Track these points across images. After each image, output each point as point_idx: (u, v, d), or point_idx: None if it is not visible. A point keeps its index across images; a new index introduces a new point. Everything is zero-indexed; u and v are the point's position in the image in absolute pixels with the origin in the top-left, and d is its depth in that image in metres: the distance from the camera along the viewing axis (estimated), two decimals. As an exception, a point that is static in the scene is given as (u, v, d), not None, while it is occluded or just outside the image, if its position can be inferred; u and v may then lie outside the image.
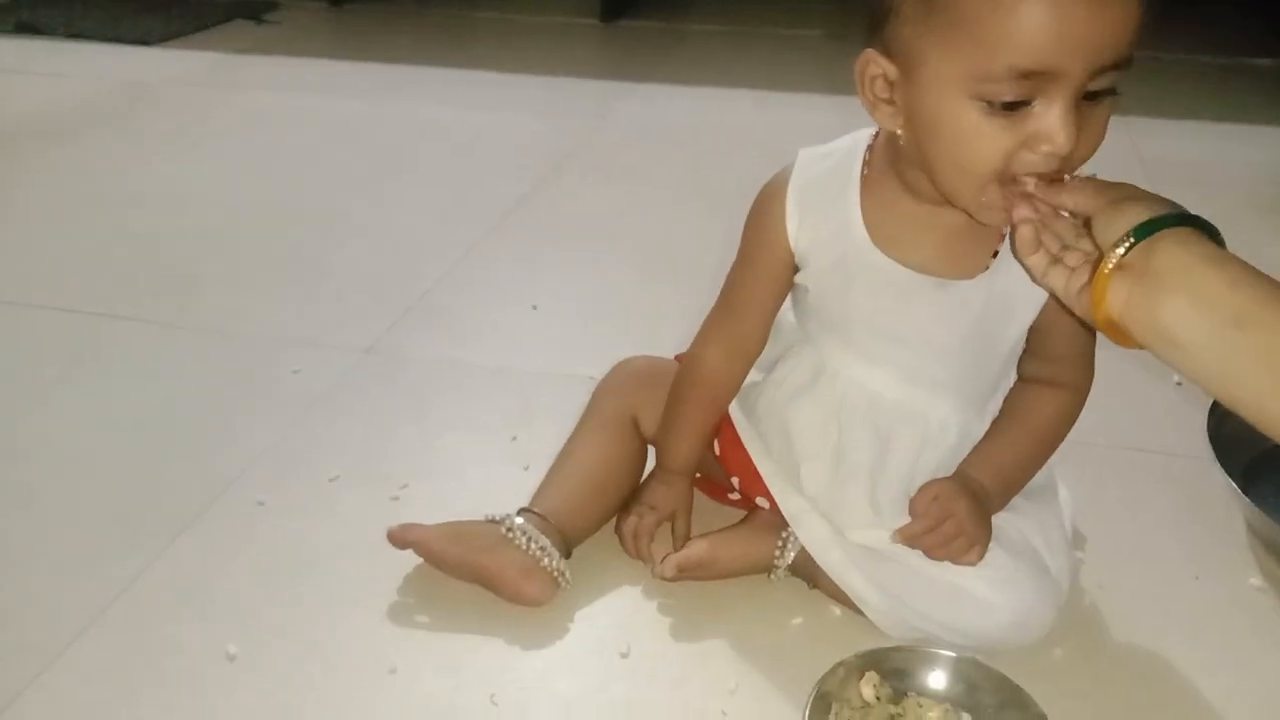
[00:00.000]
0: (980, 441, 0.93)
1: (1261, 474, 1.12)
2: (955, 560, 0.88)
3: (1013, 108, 0.70)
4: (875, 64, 0.76)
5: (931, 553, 0.89)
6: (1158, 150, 2.07)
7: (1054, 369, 0.91)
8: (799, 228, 0.87)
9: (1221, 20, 2.98)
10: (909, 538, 0.90)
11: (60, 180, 1.96)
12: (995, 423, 0.93)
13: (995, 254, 0.84)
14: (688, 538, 1.02)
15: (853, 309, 0.88)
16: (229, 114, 2.31)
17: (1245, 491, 1.02)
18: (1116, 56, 0.69)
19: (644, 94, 2.43)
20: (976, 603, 0.88)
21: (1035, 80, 0.69)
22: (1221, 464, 1.05)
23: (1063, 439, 0.93)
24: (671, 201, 1.84)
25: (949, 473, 0.92)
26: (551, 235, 1.74)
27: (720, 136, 2.16)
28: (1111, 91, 0.71)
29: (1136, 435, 1.23)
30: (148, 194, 1.89)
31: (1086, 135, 0.71)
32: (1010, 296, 0.85)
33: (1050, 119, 0.69)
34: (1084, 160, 0.74)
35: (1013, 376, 0.94)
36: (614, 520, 1.05)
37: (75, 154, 2.08)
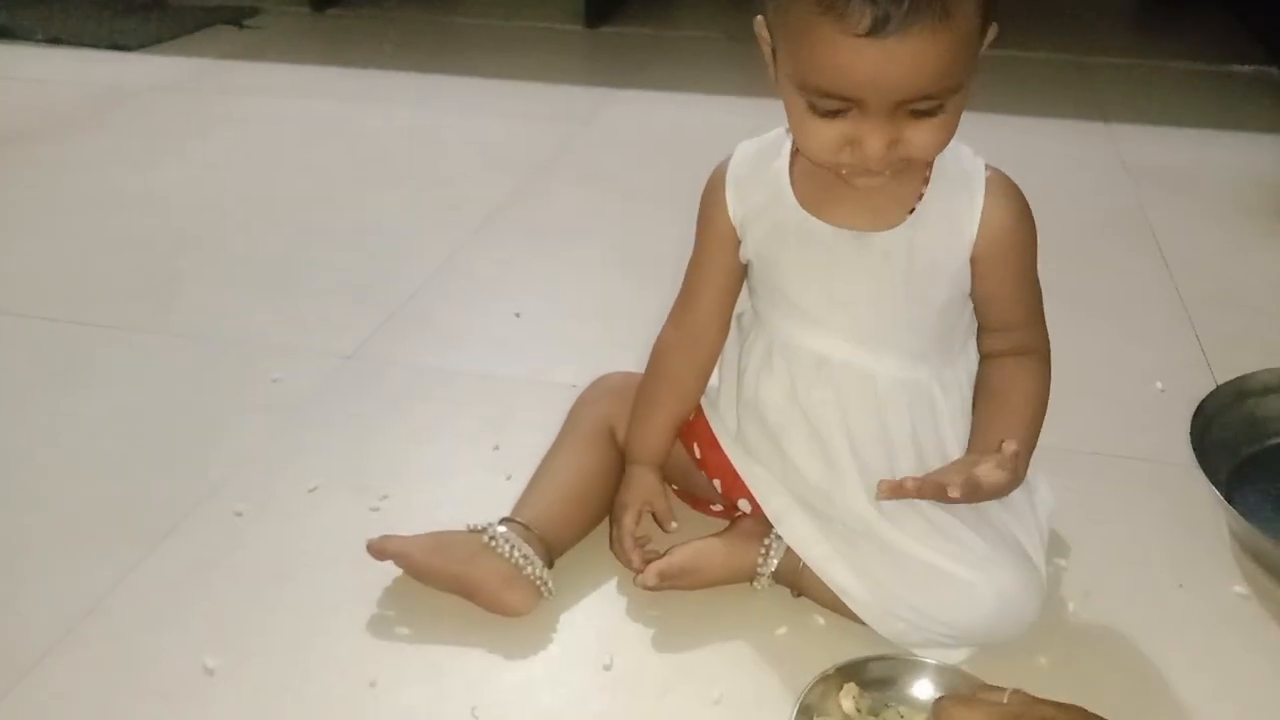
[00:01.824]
0: (980, 431, 0.92)
1: (1245, 481, 1.12)
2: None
3: (833, 113, 0.76)
4: (763, 30, 0.81)
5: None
6: (1140, 156, 2.07)
7: (1012, 339, 0.93)
8: (737, 202, 0.93)
9: (1203, 27, 3.00)
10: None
11: (39, 186, 1.94)
12: (983, 410, 0.93)
13: (912, 210, 0.87)
14: (671, 516, 1.03)
15: (789, 273, 0.92)
16: (210, 119, 2.30)
17: (1229, 498, 1.02)
18: (919, 93, 0.74)
19: (628, 99, 2.43)
20: (961, 586, 0.88)
21: (843, 99, 0.75)
22: (1205, 471, 1.05)
23: (1047, 402, 0.93)
24: (655, 207, 1.83)
25: (925, 438, 0.93)
26: (535, 241, 1.74)
27: (704, 142, 2.14)
28: (937, 109, 0.76)
29: (1120, 442, 1.23)
30: (128, 199, 1.87)
31: (916, 139, 0.77)
32: (934, 252, 0.88)
33: (862, 130, 0.76)
34: (923, 159, 0.81)
35: (971, 351, 0.96)
36: (596, 532, 1.05)
37: (54, 160, 2.06)
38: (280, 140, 2.18)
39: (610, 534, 1.04)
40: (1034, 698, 0.76)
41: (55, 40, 2.77)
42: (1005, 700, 0.76)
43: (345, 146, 2.15)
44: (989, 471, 0.84)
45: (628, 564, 1.00)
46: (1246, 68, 2.68)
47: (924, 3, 0.70)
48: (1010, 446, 0.84)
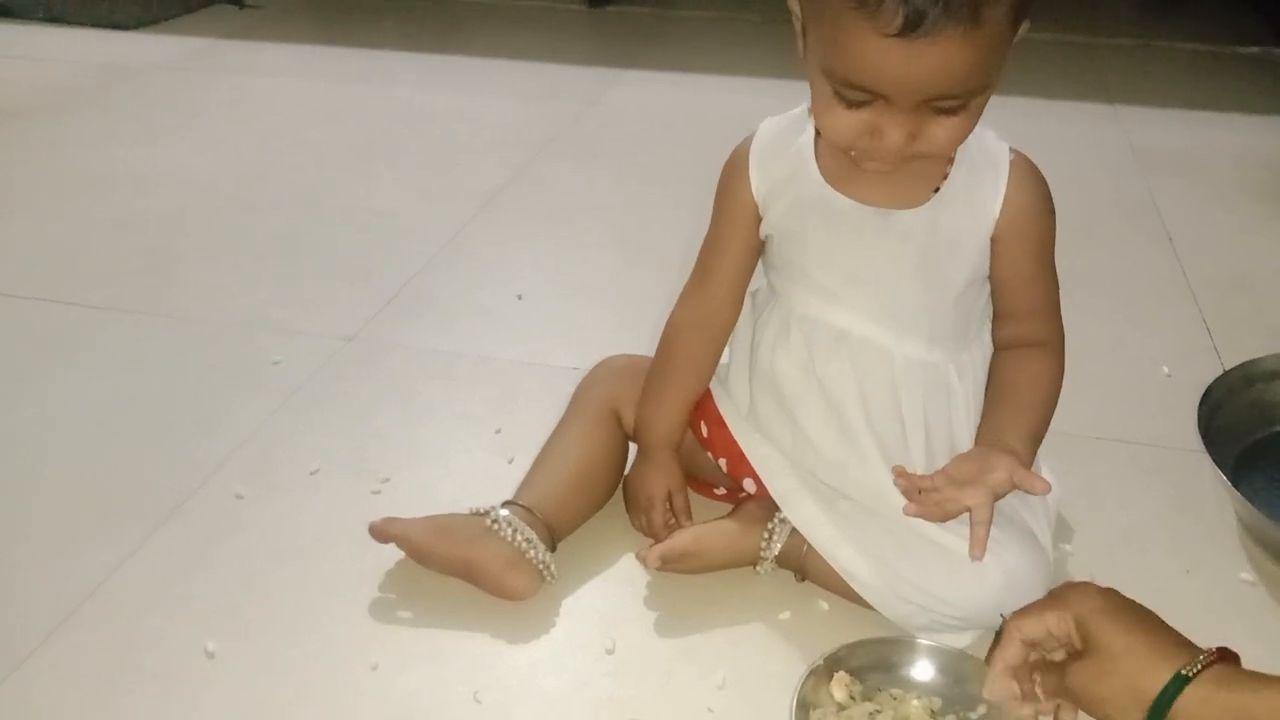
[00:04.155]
0: (986, 421, 0.92)
1: (1252, 467, 1.12)
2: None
3: (858, 103, 0.77)
4: (795, 6, 0.81)
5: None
6: (1148, 139, 2.06)
7: (1025, 327, 0.93)
8: (760, 177, 0.93)
9: (1209, 9, 2.97)
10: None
11: (37, 165, 1.93)
12: (992, 402, 0.93)
13: (937, 189, 0.87)
14: (689, 512, 1.02)
15: (809, 249, 0.92)
16: (210, 99, 2.28)
17: (1235, 484, 1.02)
18: (945, 92, 0.75)
19: (630, 80, 2.41)
20: (968, 566, 0.87)
21: (869, 92, 0.75)
22: (1212, 456, 1.04)
23: (1058, 397, 0.93)
24: (658, 188, 1.82)
25: (935, 424, 0.93)
26: (537, 222, 1.73)
27: (707, 123, 2.13)
28: (960, 108, 0.76)
29: (1126, 427, 1.22)
30: (127, 179, 1.86)
31: (935, 134, 0.78)
32: (955, 232, 0.88)
33: (884, 121, 0.77)
34: (937, 154, 0.82)
35: (986, 336, 0.95)
36: (599, 515, 1.05)
37: (53, 139, 2.05)
38: (280, 120, 2.17)
39: (632, 518, 1.04)
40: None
41: (55, 19, 2.76)
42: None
43: (346, 127, 2.14)
44: (999, 482, 0.84)
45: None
46: (1253, 49, 2.66)
47: (956, 7, 0.70)
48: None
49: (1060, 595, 0.78)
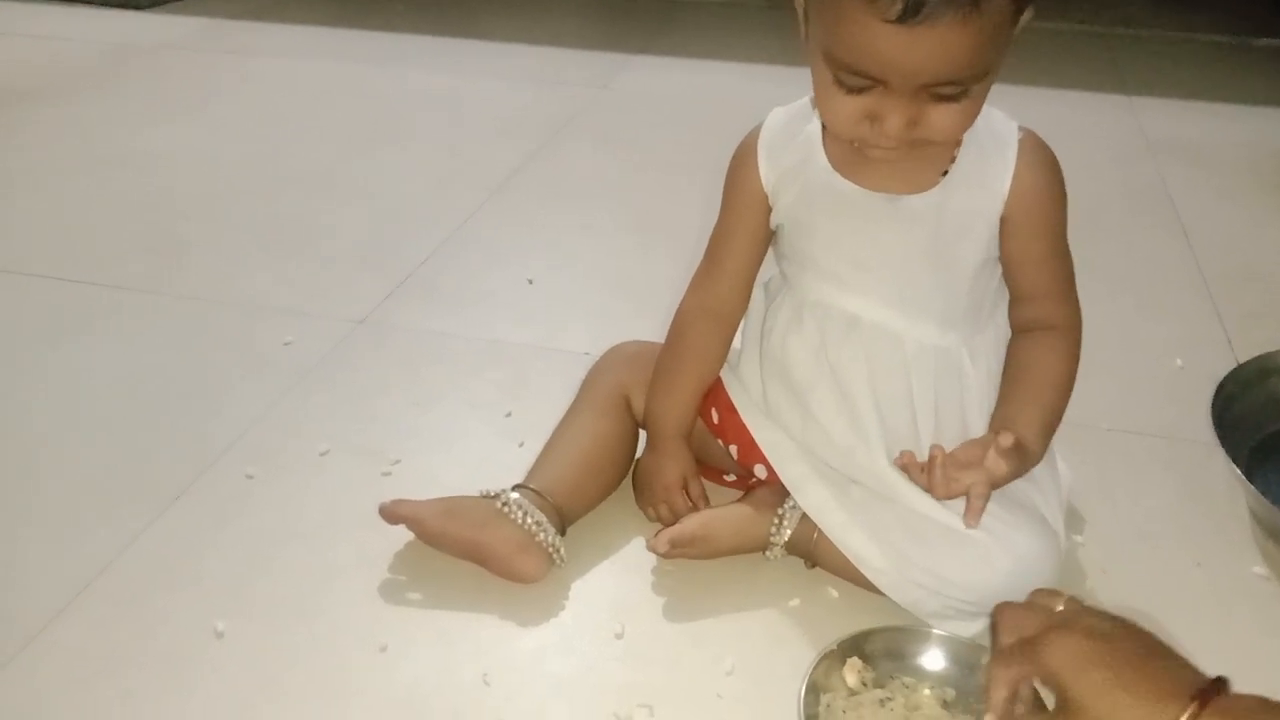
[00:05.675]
0: (999, 408, 0.92)
1: (1266, 459, 1.11)
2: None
3: (858, 89, 0.77)
4: None
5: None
6: (1162, 130, 2.05)
7: (1039, 309, 0.92)
8: (769, 167, 0.93)
9: (1225, 0, 2.95)
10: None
11: (47, 144, 1.93)
12: (1006, 386, 0.93)
13: (945, 173, 0.87)
14: (705, 496, 1.02)
15: (820, 236, 0.92)
16: (221, 79, 2.28)
17: (1249, 477, 1.01)
18: (944, 78, 0.75)
19: (643, 65, 2.40)
20: (977, 547, 0.87)
21: (868, 78, 0.76)
22: (1225, 449, 1.03)
23: (1073, 380, 0.92)
24: (670, 173, 1.82)
25: (947, 409, 0.93)
26: (548, 207, 1.72)
27: (718, 109, 2.12)
28: (961, 94, 0.76)
29: (1140, 418, 1.22)
30: (137, 159, 1.86)
31: (936, 122, 0.78)
32: (965, 215, 0.88)
33: (884, 107, 0.77)
34: (940, 141, 0.81)
35: (1000, 319, 0.95)
36: (609, 499, 1.05)
37: (63, 118, 2.05)
38: (292, 101, 2.17)
39: (642, 507, 1.04)
40: (1086, 606, 0.76)
41: (67, -3, 2.75)
42: (1060, 606, 0.76)
43: (358, 109, 2.13)
44: (995, 463, 0.84)
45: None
46: (1269, 41, 2.64)
47: None
48: (1006, 440, 0.83)
49: (1032, 649, 0.71)
